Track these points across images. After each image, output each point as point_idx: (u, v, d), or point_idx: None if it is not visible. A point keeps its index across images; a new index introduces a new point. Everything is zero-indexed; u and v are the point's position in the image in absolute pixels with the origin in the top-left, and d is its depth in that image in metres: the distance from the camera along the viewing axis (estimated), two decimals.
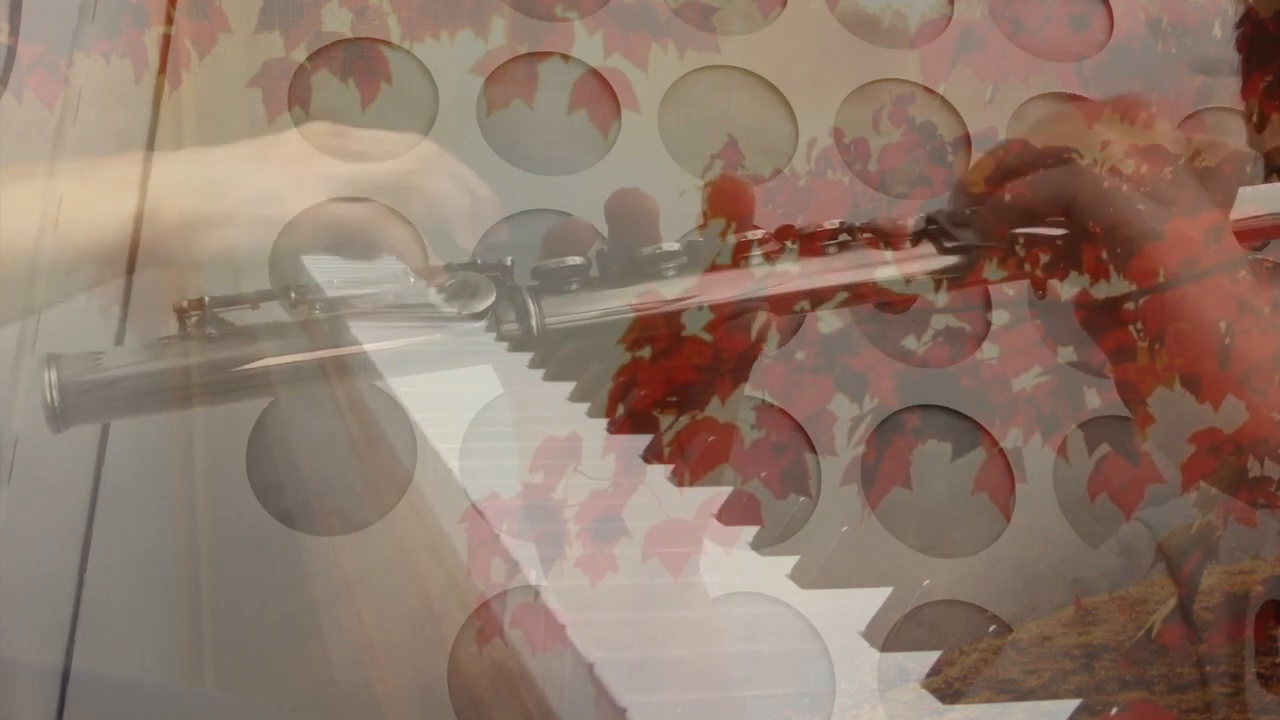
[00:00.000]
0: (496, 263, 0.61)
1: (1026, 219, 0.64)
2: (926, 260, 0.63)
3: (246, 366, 0.58)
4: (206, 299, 0.58)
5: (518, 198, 0.66)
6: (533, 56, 0.69)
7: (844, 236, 0.62)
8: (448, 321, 0.59)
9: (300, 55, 0.68)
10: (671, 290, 0.60)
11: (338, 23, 0.68)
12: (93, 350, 0.57)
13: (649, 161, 0.69)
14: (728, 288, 0.61)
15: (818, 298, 0.62)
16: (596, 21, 0.70)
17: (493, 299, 0.60)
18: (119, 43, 0.66)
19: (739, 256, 0.61)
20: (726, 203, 0.62)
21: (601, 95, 0.69)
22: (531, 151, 0.68)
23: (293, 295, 0.59)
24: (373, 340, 0.59)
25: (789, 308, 0.62)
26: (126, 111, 0.66)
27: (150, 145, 0.65)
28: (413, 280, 0.61)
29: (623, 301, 0.60)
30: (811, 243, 0.62)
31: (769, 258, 0.61)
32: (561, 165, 0.68)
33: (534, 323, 0.59)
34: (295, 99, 0.67)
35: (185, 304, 0.58)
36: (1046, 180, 0.63)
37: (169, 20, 0.67)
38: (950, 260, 0.63)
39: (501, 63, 0.69)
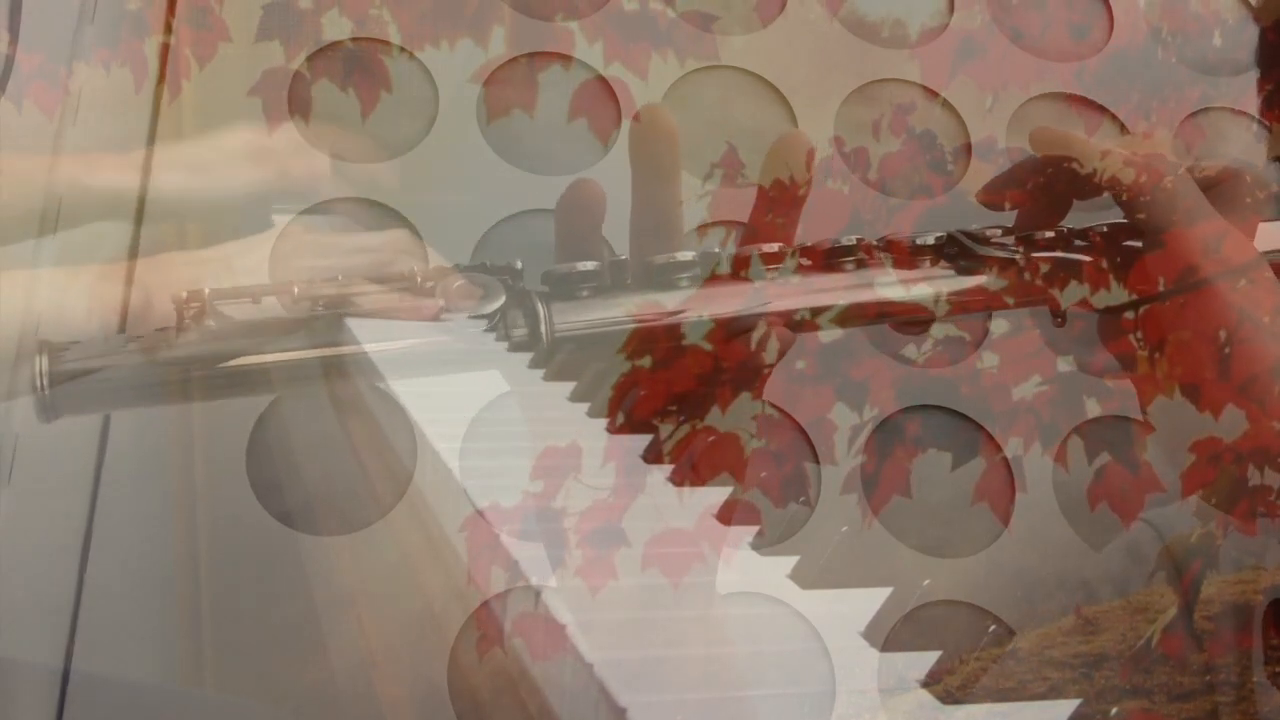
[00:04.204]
0: (506, 265, 0.61)
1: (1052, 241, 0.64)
2: (946, 281, 0.63)
3: (245, 362, 0.58)
4: (207, 291, 0.58)
5: (517, 198, 0.66)
6: (533, 63, 0.70)
7: (862, 255, 0.63)
8: (453, 323, 0.59)
9: (301, 65, 0.68)
10: (683, 301, 0.60)
11: (338, 31, 0.69)
12: (87, 339, 0.57)
13: None
14: (739, 301, 0.61)
15: (836, 316, 0.62)
16: (596, 31, 0.70)
17: (501, 302, 0.60)
18: (119, 52, 0.67)
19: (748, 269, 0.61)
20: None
21: (602, 103, 0.70)
22: (532, 154, 0.68)
23: (295, 291, 0.59)
24: (376, 340, 0.59)
25: (803, 325, 0.62)
26: (126, 120, 0.67)
27: (149, 154, 0.66)
28: (419, 280, 0.61)
29: (635, 311, 0.60)
30: (828, 258, 0.62)
31: (779, 270, 0.62)
32: (562, 167, 0.68)
33: (543, 329, 0.59)
34: (295, 108, 0.67)
35: (185, 295, 0.58)
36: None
37: (168, 29, 0.68)
38: (970, 281, 0.63)
39: (502, 70, 0.70)
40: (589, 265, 0.60)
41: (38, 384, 0.55)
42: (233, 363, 0.57)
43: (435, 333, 0.59)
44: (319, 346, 0.58)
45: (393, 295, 0.60)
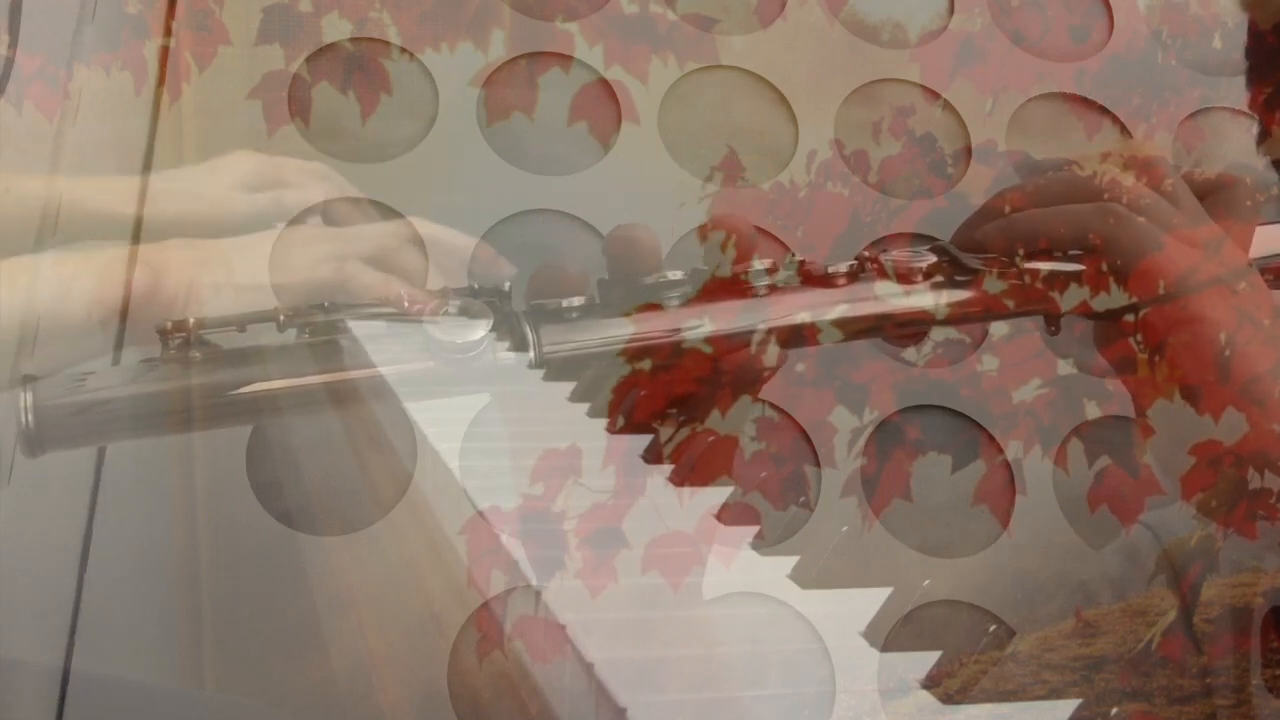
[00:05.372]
0: (494, 288, 0.61)
1: (1045, 252, 0.64)
2: (938, 293, 0.63)
3: (232, 393, 0.57)
4: (191, 320, 0.57)
5: (517, 199, 0.66)
6: (533, 65, 0.70)
7: (852, 263, 0.63)
8: (442, 349, 0.59)
9: (301, 67, 0.68)
10: (674, 319, 0.61)
11: (338, 34, 0.69)
12: (73, 372, 0.56)
13: (649, 172, 0.69)
14: (731, 318, 0.61)
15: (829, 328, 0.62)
16: (597, 34, 0.70)
17: (489, 327, 0.60)
18: (119, 55, 0.67)
19: (743, 286, 0.62)
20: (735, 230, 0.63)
21: (602, 106, 0.70)
22: (532, 156, 0.68)
23: (281, 318, 0.58)
24: (364, 366, 0.59)
25: (794, 339, 0.62)
26: (126, 123, 0.67)
27: (149, 156, 0.66)
28: (407, 304, 0.61)
29: (624, 331, 0.60)
30: (818, 274, 0.63)
31: (773, 289, 0.62)
32: (562, 167, 0.68)
33: (532, 352, 0.59)
34: (295, 111, 0.68)
35: (170, 325, 0.57)
36: (1074, 218, 0.64)
37: (169, 32, 0.68)
38: (961, 293, 0.64)
39: (502, 73, 0.70)
40: (576, 300, 0.60)
41: (23, 419, 0.54)
42: (221, 394, 0.57)
43: (424, 358, 0.59)
44: (309, 374, 0.58)
45: (381, 321, 0.60)
